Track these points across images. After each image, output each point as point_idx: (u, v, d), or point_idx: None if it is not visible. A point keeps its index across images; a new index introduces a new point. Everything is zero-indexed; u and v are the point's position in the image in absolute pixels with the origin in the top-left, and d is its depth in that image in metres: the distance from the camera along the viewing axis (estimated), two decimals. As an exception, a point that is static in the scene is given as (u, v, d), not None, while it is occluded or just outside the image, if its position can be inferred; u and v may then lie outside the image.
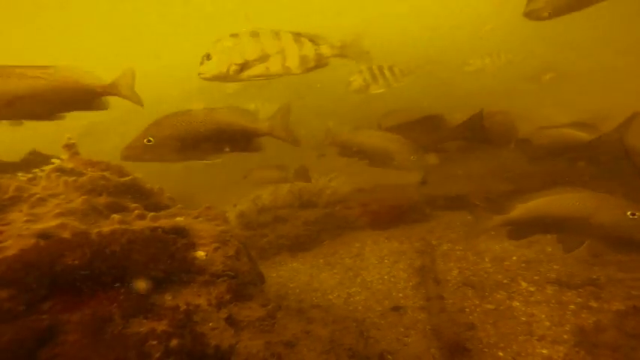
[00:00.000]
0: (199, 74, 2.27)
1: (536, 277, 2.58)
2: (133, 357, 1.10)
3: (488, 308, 2.38)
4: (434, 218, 4.01)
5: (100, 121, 7.70)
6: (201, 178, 5.65)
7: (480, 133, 3.15)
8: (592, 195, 2.17)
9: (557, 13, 2.19)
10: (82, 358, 1.07)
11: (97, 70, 2.10)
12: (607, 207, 2.11)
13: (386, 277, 2.96)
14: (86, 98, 2.10)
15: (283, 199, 4.33)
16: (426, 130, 3.28)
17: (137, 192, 2.09)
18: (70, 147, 2.15)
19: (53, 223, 1.39)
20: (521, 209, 2.29)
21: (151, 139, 2.01)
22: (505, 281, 2.61)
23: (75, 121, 2.49)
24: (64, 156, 2.13)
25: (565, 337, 2.04)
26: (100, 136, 7.53)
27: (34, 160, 3.58)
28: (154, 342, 1.15)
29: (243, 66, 2.19)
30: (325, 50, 2.30)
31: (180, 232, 1.58)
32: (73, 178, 1.91)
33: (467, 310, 2.39)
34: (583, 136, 3.07)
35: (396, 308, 2.53)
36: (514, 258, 2.85)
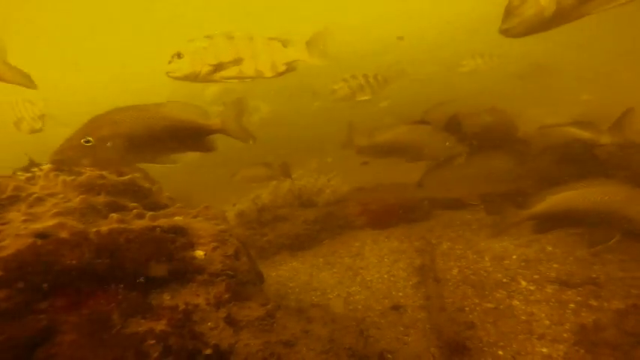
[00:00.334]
0: (168, 73, 2.20)
1: (536, 276, 2.58)
2: (131, 357, 1.09)
3: (488, 307, 2.37)
4: (433, 217, 4.01)
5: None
6: (201, 177, 5.65)
7: (460, 135, 3.31)
8: (621, 187, 2.13)
9: (530, 31, 2.19)
10: (79, 358, 1.06)
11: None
12: (638, 199, 2.07)
13: (386, 276, 2.96)
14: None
15: (283, 199, 4.34)
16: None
17: (136, 191, 2.09)
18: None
19: (51, 222, 1.38)
20: (547, 203, 2.25)
21: (90, 138, 1.65)
22: (505, 280, 2.60)
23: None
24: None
25: (565, 335, 2.03)
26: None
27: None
28: (153, 342, 1.14)
29: (217, 67, 2.16)
30: (294, 54, 2.29)
31: (179, 231, 1.58)
32: (72, 177, 1.90)
33: (467, 309, 2.39)
34: (586, 134, 3.07)
35: (395, 307, 2.53)
36: (514, 257, 2.85)
